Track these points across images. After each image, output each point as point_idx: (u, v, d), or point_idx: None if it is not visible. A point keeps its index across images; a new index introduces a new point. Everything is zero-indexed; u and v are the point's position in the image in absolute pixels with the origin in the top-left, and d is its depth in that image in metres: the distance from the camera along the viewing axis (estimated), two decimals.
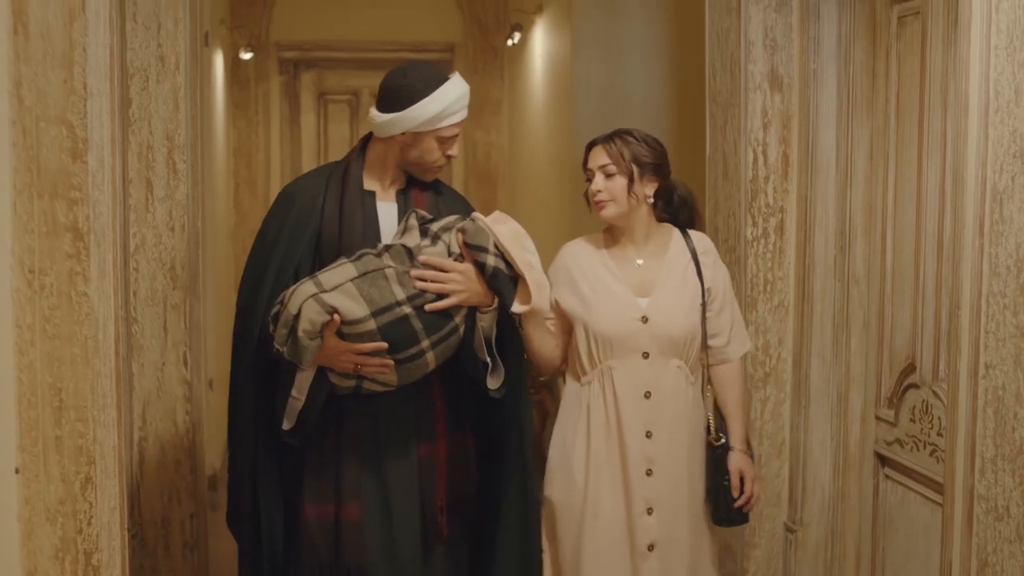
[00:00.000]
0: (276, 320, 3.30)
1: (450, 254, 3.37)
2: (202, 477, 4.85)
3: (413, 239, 3.38)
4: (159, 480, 4.66)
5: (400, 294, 3.28)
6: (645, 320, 3.65)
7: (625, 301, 3.67)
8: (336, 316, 3.24)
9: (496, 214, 3.46)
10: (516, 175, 9.39)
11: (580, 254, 3.78)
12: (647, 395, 3.65)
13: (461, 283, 3.34)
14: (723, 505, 3.76)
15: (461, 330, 3.37)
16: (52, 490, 2.94)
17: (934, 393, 3.87)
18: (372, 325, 3.25)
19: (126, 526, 3.17)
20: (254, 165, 9.97)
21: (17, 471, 2.91)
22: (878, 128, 4.24)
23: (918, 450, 4.01)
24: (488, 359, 3.44)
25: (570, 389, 3.79)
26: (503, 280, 3.38)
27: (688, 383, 3.71)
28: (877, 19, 4.22)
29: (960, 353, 3.25)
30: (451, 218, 3.45)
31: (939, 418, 3.83)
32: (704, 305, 3.72)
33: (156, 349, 4.57)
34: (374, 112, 3.52)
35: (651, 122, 6.71)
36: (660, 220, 3.78)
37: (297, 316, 3.24)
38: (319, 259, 3.45)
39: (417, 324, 3.29)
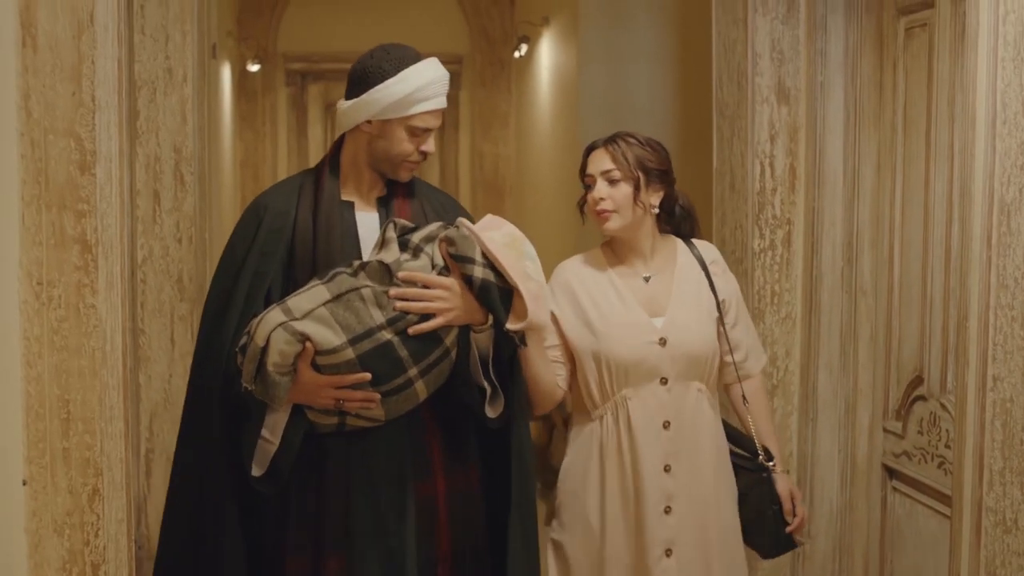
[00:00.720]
0: (243, 351, 2.91)
1: (434, 267, 2.98)
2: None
3: (392, 253, 2.98)
4: (166, 492, 4.66)
5: (379, 317, 2.90)
6: (663, 342, 3.30)
7: (639, 323, 3.33)
8: (309, 345, 2.86)
9: (488, 218, 3.10)
10: (523, 187, 9.40)
11: (583, 274, 3.43)
12: (666, 425, 3.31)
13: (448, 300, 2.94)
14: (772, 534, 3.48)
15: (453, 354, 2.99)
16: (59, 502, 2.94)
17: (942, 405, 3.86)
18: (350, 354, 2.87)
19: (133, 538, 3.18)
20: (261, 177, 9.99)
21: (25, 483, 2.91)
22: (885, 140, 4.23)
23: (926, 462, 4.00)
24: (486, 384, 3.05)
25: (579, 427, 3.43)
26: (494, 293, 2.98)
27: (710, 407, 3.38)
28: (884, 31, 4.22)
29: (968, 365, 3.24)
30: (433, 226, 3.05)
31: (947, 430, 3.82)
32: (720, 318, 3.42)
33: (163, 361, 4.56)
34: (340, 103, 3.15)
35: (657, 133, 6.68)
36: (662, 232, 3.47)
37: (265, 348, 2.85)
38: (293, 282, 3.04)
39: (402, 350, 2.91)
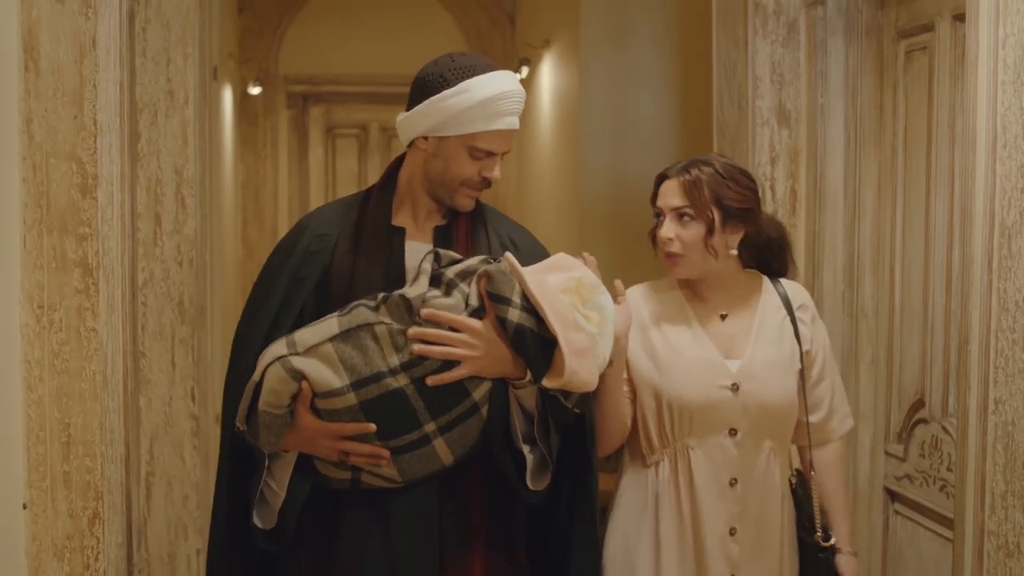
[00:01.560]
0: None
1: (468, 307, 2.58)
2: (209, 513, 4.84)
3: (419, 287, 2.59)
4: (166, 515, 4.65)
5: (392, 360, 2.51)
6: (736, 388, 2.94)
7: (712, 363, 2.95)
8: (305, 385, 2.53)
9: (558, 257, 2.69)
10: (524, 209, 9.40)
11: (654, 300, 3.05)
12: (732, 483, 2.94)
13: (475, 346, 2.53)
14: None
15: (483, 410, 2.57)
16: (60, 526, 2.93)
17: (943, 428, 3.86)
18: (352, 399, 2.51)
19: (133, 561, 3.17)
20: (262, 199, 9.99)
21: (25, 506, 2.91)
22: (886, 162, 4.24)
23: (928, 485, 3.99)
24: (526, 451, 2.63)
25: (632, 473, 3.05)
26: (530, 342, 2.54)
27: (781, 469, 3.03)
28: (884, 54, 4.23)
29: (969, 388, 3.24)
30: (474, 260, 2.64)
31: (949, 453, 3.82)
32: (802, 371, 3.03)
33: (164, 384, 4.56)
34: (399, 116, 2.78)
35: (658, 156, 6.72)
36: (746, 267, 3.10)
37: (259, 384, 2.56)
38: (328, 310, 2.69)
39: (416, 401, 2.52)
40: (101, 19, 2.82)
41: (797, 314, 3.05)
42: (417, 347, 2.53)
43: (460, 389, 2.55)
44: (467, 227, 2.79)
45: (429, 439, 2.55)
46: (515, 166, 9.83)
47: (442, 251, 2.66)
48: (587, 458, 2.79)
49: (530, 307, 2.55)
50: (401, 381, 2.52)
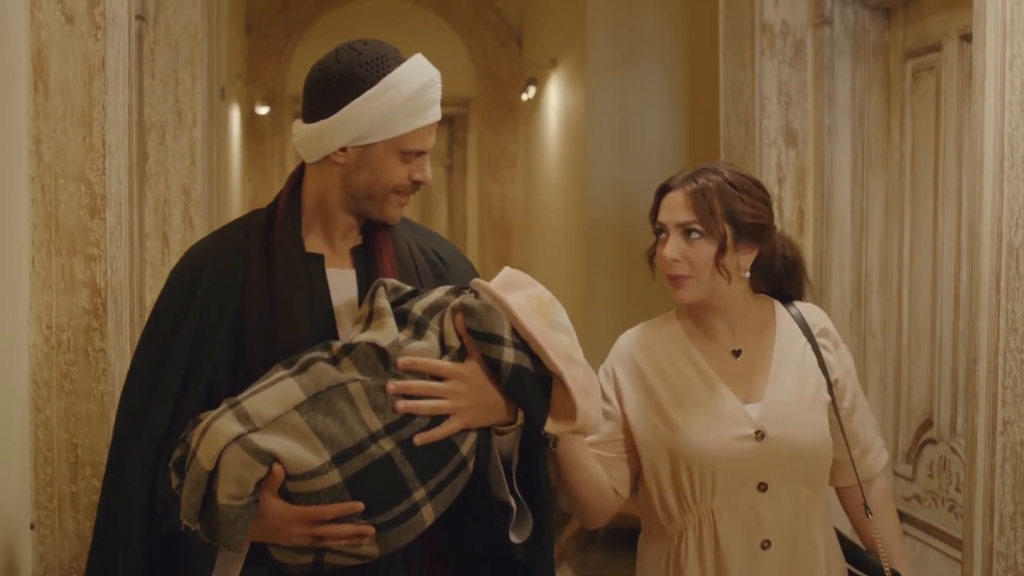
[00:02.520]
0: (180, 470, 2.13)
1: (445, 351, 2.21)
2: None
3: (387, 332, 2.18)
4: None
5: (375, 423, 2.11)
6: (760, 436, 2.54)
7: (729, 411, 2.56)
8: (277, 469, 2.07)
9: (506, 272, 2.31)
10: (531, 228, 9.41)
11: (653, 346, 2.64)
12: (765, 545, 2.54)
13: (466, 395, 2.17)
14: None
15: (471, 465, 2.21)
16: (67, 546, 2.93)
17: (952, 449, 3.85)
18: (335, 477, 2.09)
19: None
20: None
21: (32, 527, 2.91)
22: (893, 183, 4.24)
23: (936, 506, 3.98)
24: (512, 500, 2.28)
25: (649, 547, 2.67)
26: (529, 384, 2.20)
27: (821, 519, 2.62)
28: (891, 74, 4.23)
29: (978, 409, 3.23)
30: (439, 292, 2.26)
31: (957, 474, 3.81)
32: (833, 404, 2.64)
33: None
34: (296, 126, 2.35)
35: (665, 175, 6.72)
36: (755, 291, 2.70)
37: (214, 473, 2.07)
38: (244, 367, 2.25)
39: (405, 467, 2.12)
40: (110, 40, 2.84)
41: (819, 340, 2.66)
42: (402, 404, 2.12)
43: (448, 445, 2.17)
44: (387, 245, 2.39)
45: (418, 507, 2.15)
46: (522, 185, 9.84)
47: (387, 280, 2.27)
48: (538, 477, 2.41)
49: (521, 343, 2.21)
50: (386, 446, 2.11)
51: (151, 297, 4.53)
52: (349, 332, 2.26)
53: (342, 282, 2.35)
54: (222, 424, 2.09)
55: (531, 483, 2.34)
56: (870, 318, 4.35)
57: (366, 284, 2.31)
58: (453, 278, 2.41)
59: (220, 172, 5.60)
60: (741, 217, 2.52)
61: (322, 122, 2.28)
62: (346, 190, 2.32)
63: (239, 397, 2.14)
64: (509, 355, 2.19)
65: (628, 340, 2.69)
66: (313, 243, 2.36)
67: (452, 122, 10.43)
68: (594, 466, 2.55)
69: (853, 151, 4.35)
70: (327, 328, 2.29)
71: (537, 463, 2.38)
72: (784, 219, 4.41)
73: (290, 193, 2.38)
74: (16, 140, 2.76)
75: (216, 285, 2.29)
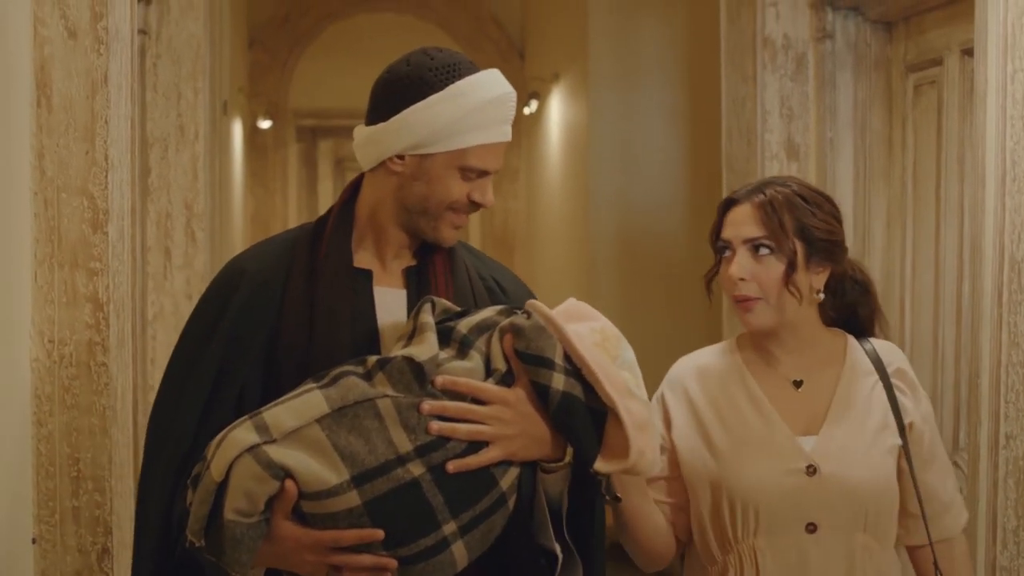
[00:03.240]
0: (194, 484, 2.00)
1: (490, 374, 2.03)
2: None
3: (427, 348, 2.00)
4: None
5: (404, 444, 1.93)
6: (812, 471, 2.30)
7: (780, 443, 2.34)
8: (290, 484, 1.90)
9: (570, 303, 2.14)
10: (533, 242, 9.41)
11: (708, 374, 2.43)
12: None
13: (509, 422, 1.98)
14: None
15: (511, 503, 2.00)
16: (69, 561, 2.93)
17: (955, 463, 3.84)
18: (355, 499, 1.90)
19: None
20: (272, 232, 10.01)
21: (34, 541, 2.91)
22: (895, 196, 4.24)
23: None
24: (557, 548, 2.06)
25: None
26: (579, 415, 2.01)
27: (882, 572, 2.36)
28: (893, 88, 4.24)
29: (980, 423, 3.23)
30: (490, 311, 2.09)
31: (960, 488, 3.80)
32: (905, 450, 2.38)
33: None
34: (357, 130, 2.23)
35: (667, 189, 6.73)
36: (829, 319, 2.47)
37: (223, 485, 1.92)
38: (276, 385, 2.08)
39: (434, 496, 1.93)
40: (113, 55, 2.84)
41: (893, 380, 2.41)
42: (436, 425, 1.94)
43: (486, 477, 1.96)
44: (444, 268, 2.22)
45: (447, 543, 1.94)
46: (524, 199, 9.85)
47: (436, 299, 2.10)
48: (591, 525, 2.19)
49: (574, 370, 2.02)
50: (415, 471, 1.92)
51: (153, 311, 4.53)
52: (391, 350, 2.09)
53: (390, 301, 2.18)
54: (238, 434, 1.94)
55: (583, 531, 2.12)
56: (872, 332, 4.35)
57: (415, 304, 2.13)
58: (502, 303, 2.23)
59: (222, 186, 5.61)
60: (813, 232, 2.32)
61: (380, 125, 2.14)
62: (400, 203, 2.16)
63: (262, 408, 1.99)
64: (559, 381, 2.00)
65: (681, 366, 2.49)
66: (363, 258, 2.20)
67: None
68: (657, 515, 2.36)
69: (855, 165, 4.35)
70: (370, 348, 2.10)
71: (593, 510, 2.16)
72: None
73: (342, 206, 2.23)
74: (19, 154, 2.77)
75: (251, 298, 2.14)
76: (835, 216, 2.39)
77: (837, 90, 4.32)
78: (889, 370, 2.41)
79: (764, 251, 2.31)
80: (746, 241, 2.32)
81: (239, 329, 2.13)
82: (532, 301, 2.09)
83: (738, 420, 2.35)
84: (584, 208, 7.24)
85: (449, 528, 1.93)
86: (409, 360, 1.96)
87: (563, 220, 8.16)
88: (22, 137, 2.78)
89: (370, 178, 2.21)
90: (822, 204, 2.37)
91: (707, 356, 2.49)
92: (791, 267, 2.30)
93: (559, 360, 2.01)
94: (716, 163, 4.86)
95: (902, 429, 2.37)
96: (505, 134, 2.16)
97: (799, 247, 2.31)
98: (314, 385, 1.98)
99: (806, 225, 2.32)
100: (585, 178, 7.19)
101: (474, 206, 2.18)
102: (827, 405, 2.37)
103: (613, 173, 6.98)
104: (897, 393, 2.40)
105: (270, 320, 2.13)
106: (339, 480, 1.90)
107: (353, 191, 2.24)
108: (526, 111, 9.31)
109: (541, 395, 2.00)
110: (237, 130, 8.03)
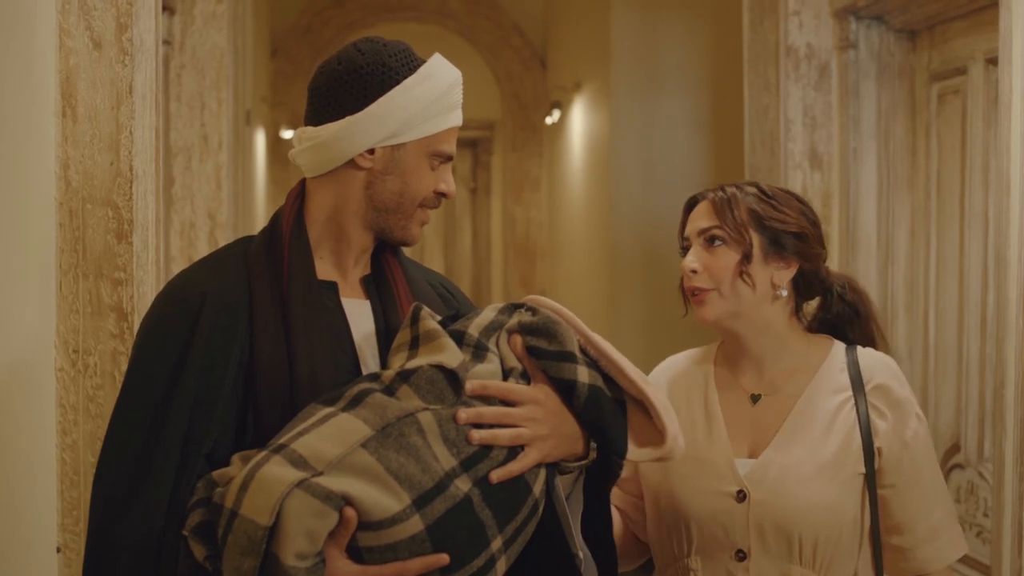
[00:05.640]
0: (208, 536, 1.79)
1: (507, 373, 1.92)
2: None
3: (451, 353, 1.87)
4: None
5: (448, 459, 1.79)
6: (742, 496, 2.20)
7: (718, 464, 2.24)
8: (350, 514, 1.72)
9: (536, 299, 2.02)
10: (555, 251, 9.41)
11: (678, 380, 2.37)
12: None
13: (543, 421, 1.87)
14: None
15: (541, 508, 1.90)
16: None
17: (979, 474, 3.82)
18: (418, 524, 1.74)
19: None
20: None
21: (59, 550, 2.91)
22: (919, 205, 4.23)
23: (964, 531, 3.95)
24: (580, 552, 1.97)
25: None
26: (607, 406, 1.93)
27: None
28: (917, 97, 4.23)
29: (1005, 433, 3.21)
30: (488, 312, 1.98)
31: (985, 499, 3.78)
32: (869, 477, 2.21)
33: None
34: (306, 131, 2.06)
35: None
36: (813, 331, 2.36)
37: (274, 528, 1.70)
38: (255, 418, 1.92)
39: (483, 511, 1.79)
40: (138, 66, 2.85)
41: (871, 399, 2.23)
42: (478, 434, 1.81)
43: (522, 484, 1.85)
44: (400, 274, 2.11)
45: (494, 560, 1.81)
46: (546, 208, 9.84)
47: (421, 304, 1.97)
48: (606, 523, 2.13)
49: (592, 360, 1.95)
50: (463, 486, 1.78)
51: None
52: (373, 367, 2.00)
53: (357, 313, 2.04)
54: (272, 470, 1.73)
55: (599, 530, 2.06)
56: (896, 342, 4.34)
57: (383, 316, 2.05)
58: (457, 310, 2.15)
59: (245, 196, 5.62)
60: (772, 224, 2.23)
61: (350, 119, 1.98)
62: (369, 202, 2.02)
63: (280, 441, 1.78)
64: (584, 374, 1.91)
65: (660, 368, 2.44)
66: (323, 270, 2.04)
67: (477, 145, 10.46)
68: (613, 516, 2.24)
69: (879, 174, 4.34)
70: (350, 364, 1.99)
71: (607, 507, 2.09)
72: None
73: (295, 214, 2.06)
74: (44, 165, 2.78)
75: (218, 321, 1.94)
76: (805, 214, 2.28)
77: (860, 99, 4.32)
78: (867, 387, 2.24)
79: (717, 242, 2.23)
80: (700, 233, 2.26)
81: (211, 356, 1.92)
82: (534, 296, 2.01)
83: (690, 434, 2.18)
84: (606, 217, 7.23)
85: (496, 544, 1.81)
86: (440, 368, 1.83)
87: (585, 229, 8.15)
88: (47, 148, 2.79)
89: (325, 181, 2.05)
90: (787, 200, 2.27)
91: (682, 363, 2.41)
92: (746, 258, 2.21)
93: (579, 354, 1.93)
94: (739, 172, 4.85)
95: (869, 453, 2.20)
96: (460, 117, 2.06)
97: (756, 239, 2.22)
98: (333, 409, 1.82)
99: (765, 216, 2.23)
100: (607, 187, 7.19)
101: (439, 198, 2.06)
102: (779, 424, 2.24)
103: (635, 182, 6.97)
104: (872, 414, 2.22)
105: (240, 343, 1.93)
106: (402, 506, 1.73)
107: (299, 197, 2.08)
108: (548, 120, 9.31)
109: (565, 390, 1.91)
110: (260, 140, 8.05)
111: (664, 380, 2.38)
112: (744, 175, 4.74)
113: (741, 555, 2.19)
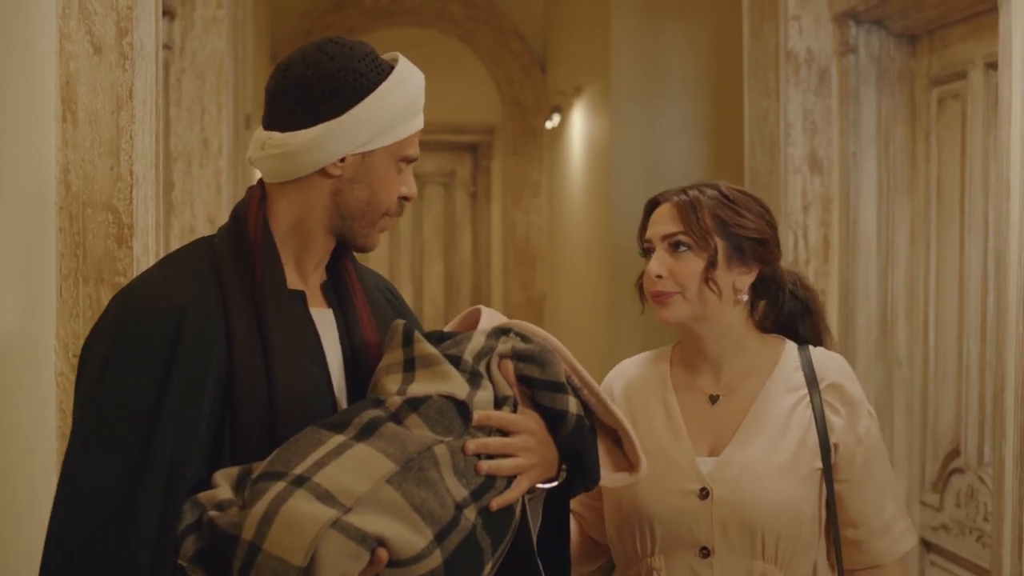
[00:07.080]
0: (206, 564, 1.75)
1: (498, 401, 1.93)
2: None
3: (457, 382, 1.87)
4: None
5: (460, 490, 1.81)
6: (705, 494, 2.25)
7: (678, 462, 2.29)
8: (382, 554, 1.72)
9: (490, 313, 2.05)
10: (555, 256, 9.40)
11: (636, 383, 2.41)
12: None
13: (534, 450, 1.92)
14: None
15: (517, 528, 1.95)
16: None
17: (980, 478, 3.82)
18: (438, 559, 1.75)
19: None
20: None
21: None
22: (919, 210, 4.23)
23: (964, 536, 3.95)
24: (540, 569, 2.01)
25: None
26: (587, 436, 1.99)
27: None
28: (916, 101, 4.23)
29: (1005, 438, 3.21)
30: (478, 336, 1.96)
31: (985, 503, 3.78)
32: (826, 473, 2.28)
33: None
34: (272, 138, 1.97)
35: None
36: (765, 331, 2.41)
37: (310, 571, 1.67)
38: (233, 434, 1.87)
39: (484, 539, 1.82)
40: (138, 71, 2.85)
41: (825, 396, 2.30)
42: (486, 465, 1.84)
43: (510, 509, 1.89)
44: (355, 281, 2.08)
45: None
46: (547, 213, 9.84)
47: (401, 321, 1.96)
48: (565, 541, 2.17)
49: (575, 390, 1.99)
50: (471, 516, 1.80)
51: None
52: (339, 381, 1.97)
53: (323, 323, 2.00)
54: (300, 506, 1.69)
55: (559, 550, 2.09)
56: (896, 346, 4.34)
57: (345, 325, 2.01)
58: (404, 315, 2.14)
59: None
60: (735, 230, 2.27)
61: (323, 126, 1.92)
62: (336, 209, 1.98)
63: (296, 471, 1.74)
64: (573, 405, 1.95)
65: (616, 371, 2.47)
66: (289, 278, 1.98)
67: (476, 150, 10.46)
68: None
69: (878, 179, 4.34)
70: (323, 379, 1.95)
71: (567, 525, 2.13)
72: (809, 247, 4.40)
73: (262, 218, 1.99)
74: (44, 170, 2.78)
75: (200, 334, 1.86)
76: (764, 217, 2.32)
77: (860, 104, 4.32)
78: (821, 385, 2.31)
79: (683, 248, 2.28)
80: (664, 238, 2.29)
81: (192, 373, 1.84)
82: (522, 323, 2.01)
83: (650, 434, 2.29)
84: (606, 222, 7.23)
85: (487, 569, 1.84)
86: (451, 399, 1.84)
87: (585, 234, 8.15)
88: (47, 152, 2.79)
89: (290, 188, 1.99)
90: (748, 204, 2.31)
91: (637, 365, 2.45)
92: (711, 264, 2.25)
93: (567, 384, 1.96)
94: (739, 177, 4.85)
95: (826, 450, 2.27)
96: (422, 120, 2.04)
97: (720, 245, 2.26)
98: (344, 437, 1.79)
99: (728, 223, 2.27)
100: (607, 192, 7.19)
101: (402, 208, 2.03)
102: (738, 424, 2.30)
103: (635, 187, 6.97)
104: (827, 411, 2.29)
105: (218, 356, 1.87)
106: (425, 542, 1.74)
107: (259, 201, 2.01)
108: (548, 125, 9.31)
109: (554, 419, 1.95)
110: None
111: (620, 384, 2.42)
112: (744, 180, 4.75)
113: (705, 552, 2.24)
